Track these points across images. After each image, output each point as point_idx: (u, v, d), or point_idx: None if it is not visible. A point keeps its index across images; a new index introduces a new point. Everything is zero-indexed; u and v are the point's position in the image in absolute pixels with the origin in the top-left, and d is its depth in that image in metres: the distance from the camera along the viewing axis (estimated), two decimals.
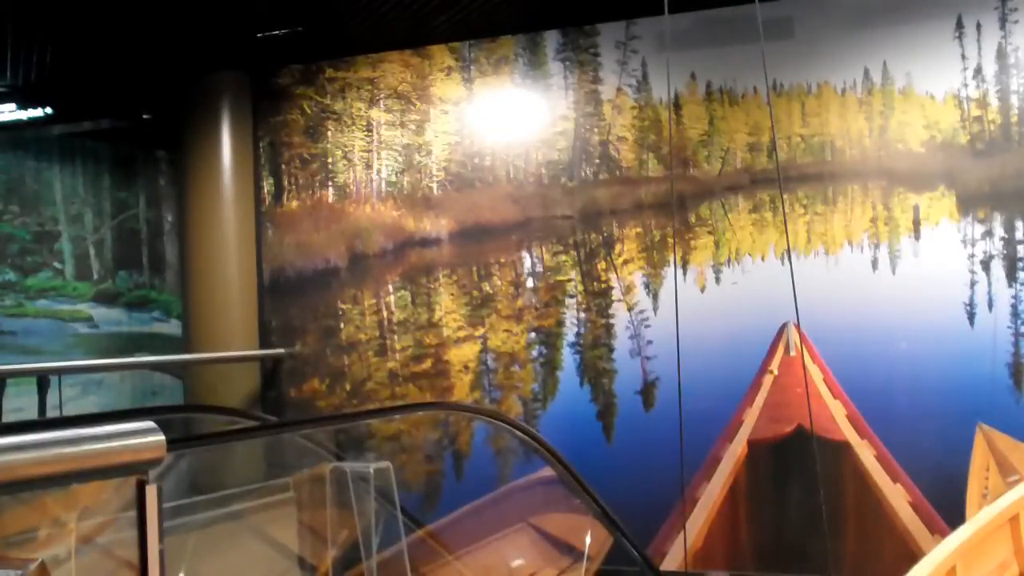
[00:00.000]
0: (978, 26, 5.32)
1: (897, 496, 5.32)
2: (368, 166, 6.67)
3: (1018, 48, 5.27)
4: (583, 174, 6.19)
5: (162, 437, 1.50)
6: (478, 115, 6.43)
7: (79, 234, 8.00)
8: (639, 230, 6.08)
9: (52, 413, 5.32)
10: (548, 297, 6.23)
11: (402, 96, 6.60)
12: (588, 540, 3.95)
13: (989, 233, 5.35)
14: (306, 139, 6.81)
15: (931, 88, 5.46)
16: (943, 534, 4.62)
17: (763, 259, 5.79)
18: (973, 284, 5.31)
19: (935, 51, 5.41)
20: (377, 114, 6.65)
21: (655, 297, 5.99)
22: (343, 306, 6.70)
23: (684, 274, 5.89)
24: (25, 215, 7.96)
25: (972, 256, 5.34)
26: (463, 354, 6.38)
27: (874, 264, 5.55)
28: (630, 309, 6.00)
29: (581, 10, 6.01)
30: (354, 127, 6.70)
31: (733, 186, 5.94)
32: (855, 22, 5.58)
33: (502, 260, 6.36)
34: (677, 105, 6.00)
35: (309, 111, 6.79)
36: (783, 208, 5.78)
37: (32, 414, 5.32)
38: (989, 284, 5.29)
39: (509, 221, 6.33)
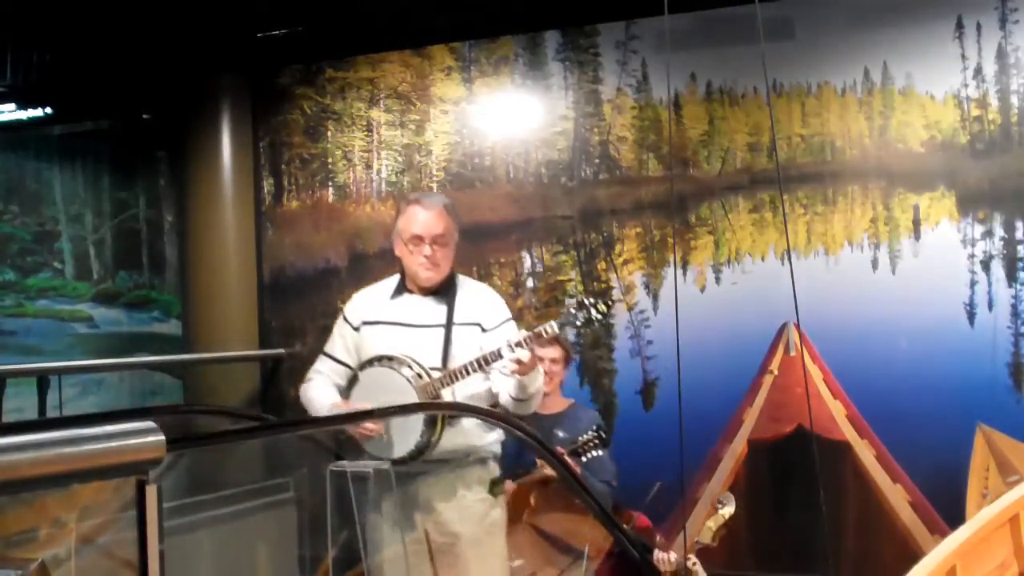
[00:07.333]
0: (978, 26, 5.31)
1: (897, 496, 5.32)
2: (368, 166, 6.67)
3: (1018, 48, 5.27)
4: (583, 174, 6.18)
5: (162, 437, 1.50)
6: (478, 115, 6.43)
7: (79, 234, 8.00)
8: (639, 230, 6.07)
9: (52, 413, 5.32)
10: (548, 297, 6.23)
11: (402, 96, 6.59)
12: (588, 540, 3.94)
13: (989, 233, 5.34)
14: (306, 139, 6.81)
15: (931, 88, 5.46)
16: (943, 534, 4.61)
17: (763, 259, 5.79)
18: (973, 284, 5.31)
19: (935, 51, 5.40)
20: (377, 114, 6.65)
21: (655, 297, 5.99)
22: (343, 306, 6.68)
23: (684, 274, 5.89)
24: (25, 215, 7.96)
25: (972, 256, 5.34)
26: None
27: (874, 264, 5.55)
28: (630, 309, 6.00)
29: (581, 10, 6.01)
30: (354, 127, 6.70)
31: (733, 186, 5.93)
32: (855, 22, 5.58)
33: (502, 260, 6.36)
34: (677, 105, 6.00)
35: (309, 111, 6.79)
36: (783, 208, 5.77)
37: (32, 414, 5.32)
38: (989, 284, 5.29)
39: (509, 221, 6.33)
